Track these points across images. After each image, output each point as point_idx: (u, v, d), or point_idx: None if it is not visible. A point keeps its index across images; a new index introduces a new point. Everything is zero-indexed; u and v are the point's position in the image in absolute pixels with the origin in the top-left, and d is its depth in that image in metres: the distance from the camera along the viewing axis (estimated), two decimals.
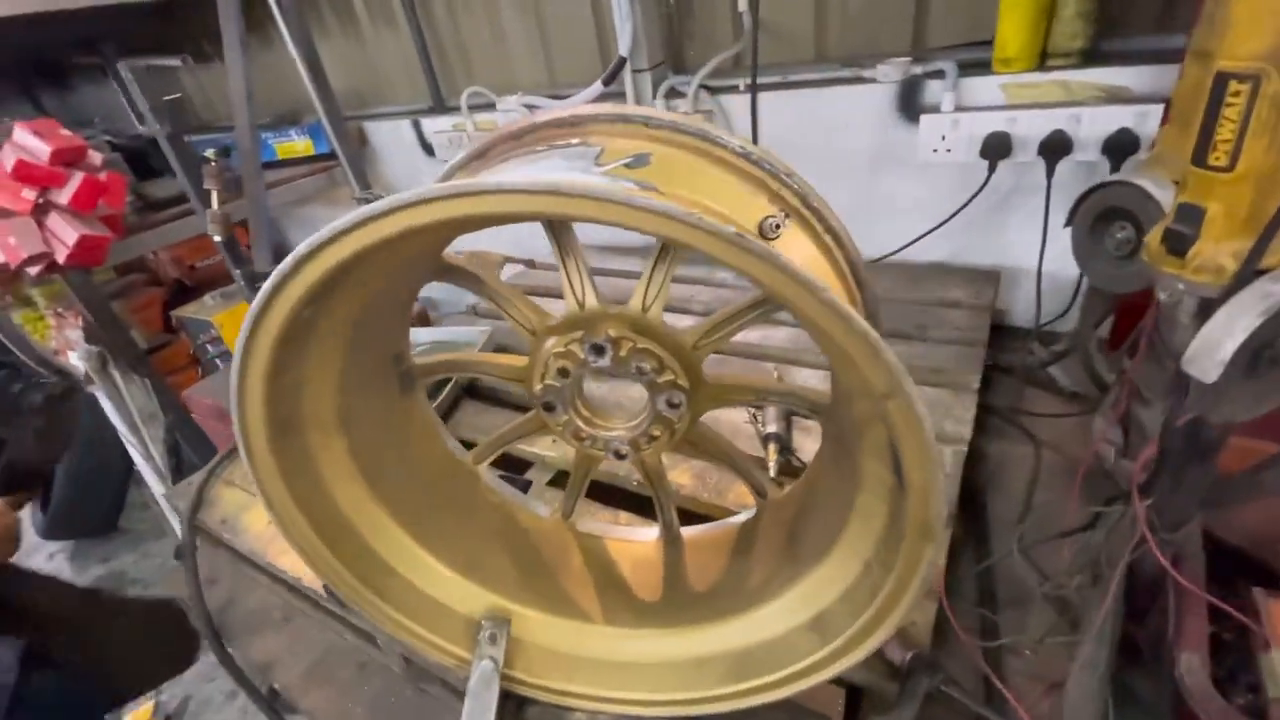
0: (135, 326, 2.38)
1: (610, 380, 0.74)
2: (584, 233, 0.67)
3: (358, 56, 2.43)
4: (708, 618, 0.73)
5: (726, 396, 0.71)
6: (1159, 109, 1.21)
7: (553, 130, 0.63)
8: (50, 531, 2.89)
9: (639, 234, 0.46)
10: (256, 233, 1.89)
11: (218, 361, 2.21)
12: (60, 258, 1.67)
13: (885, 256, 1.67)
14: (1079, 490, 0.84)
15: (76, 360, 1.87)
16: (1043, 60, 1.35)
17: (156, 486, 2.46)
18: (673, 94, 1.76)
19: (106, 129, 2.66)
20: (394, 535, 0.72)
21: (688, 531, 0.84)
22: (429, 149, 2.33)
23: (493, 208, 0.43)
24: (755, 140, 1.69)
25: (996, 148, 1.37)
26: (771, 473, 0.97)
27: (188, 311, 2.28)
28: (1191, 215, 0.50)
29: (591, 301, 0.67)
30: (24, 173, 1.62)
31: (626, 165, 0.58)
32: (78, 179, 1.66)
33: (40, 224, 1.67)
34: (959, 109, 1.41)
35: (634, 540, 0.86)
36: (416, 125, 2.33)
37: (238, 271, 1.70)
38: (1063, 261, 1.42)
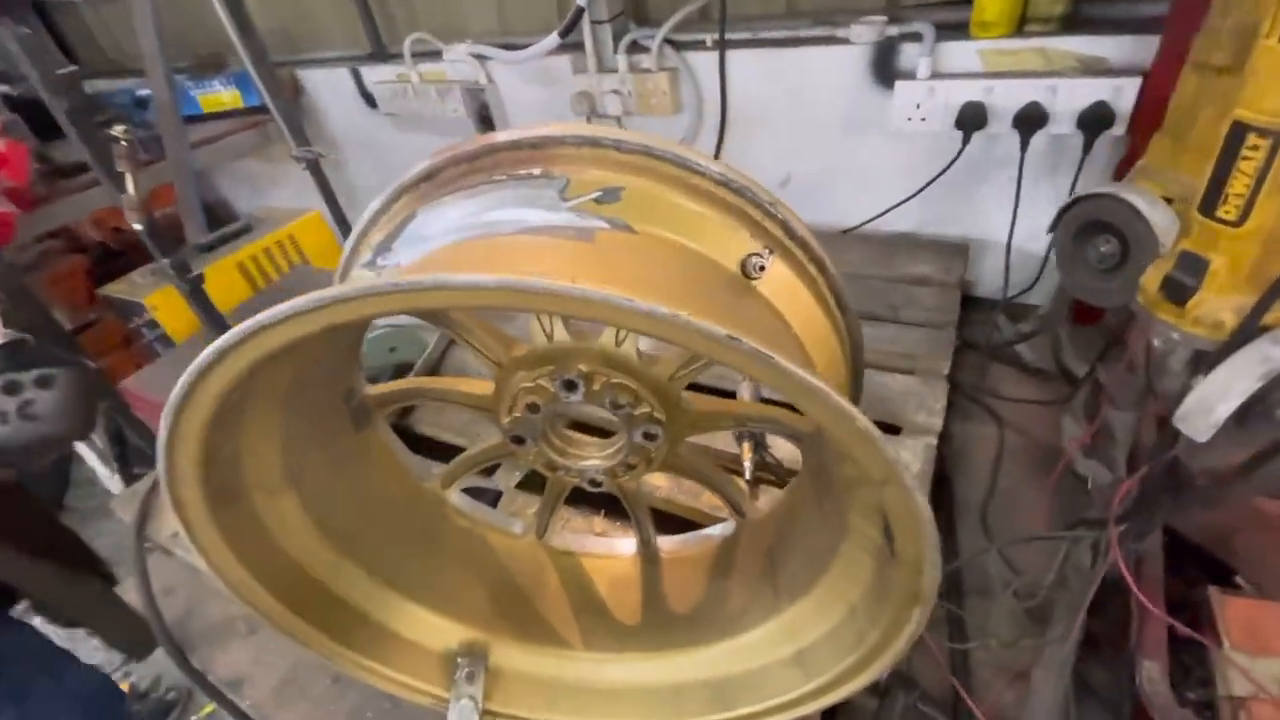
0: (58, 304, 2.20)
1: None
2: None
3: None
4: (689, 642, 0.73)
5: (706, 423, 0.68)
6: (1135, 83, 1.18)
7: (512, 155, 0.56)
8: None
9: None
10: (183, 200, 1.73)
11: (155, 346, 2.06)
12: None
13: (856, 227, 1.64)
14: (1053, 489, 0.85)
15: None
16: (1022, 25, 1.29)
17: (103, 471, 2.34)
18: (635, 49, 1.64)
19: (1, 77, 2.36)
20: (359, 581, 0.68)
21: (665, 545, 0.82)
22: (371, 100, 2.15)
23: (440, 303, 0.38)
24: (724, 101, 1.60)
25: (972, 119, 1.33)
26: (746, 474, 0.96)
27: (116, 290, 2.09)
28: (1195, 265, 0.48)
29: (561, 335, 0.63)
30: None
31: (596, 200, 0.53)
32: None
33: None
34: (935, 76, 1.35)
35: (611, 555, 0.84)
36: (356, 74, 2.13)
37: (165, 260, 1.56)
38: (1032, 236, 1.42)
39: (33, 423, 0.79)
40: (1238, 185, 0.44)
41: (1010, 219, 1.41)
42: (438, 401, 0.76)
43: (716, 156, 1.68)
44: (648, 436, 0.66)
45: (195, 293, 1.70)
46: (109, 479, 2.34)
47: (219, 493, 0.52)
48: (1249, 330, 0.46)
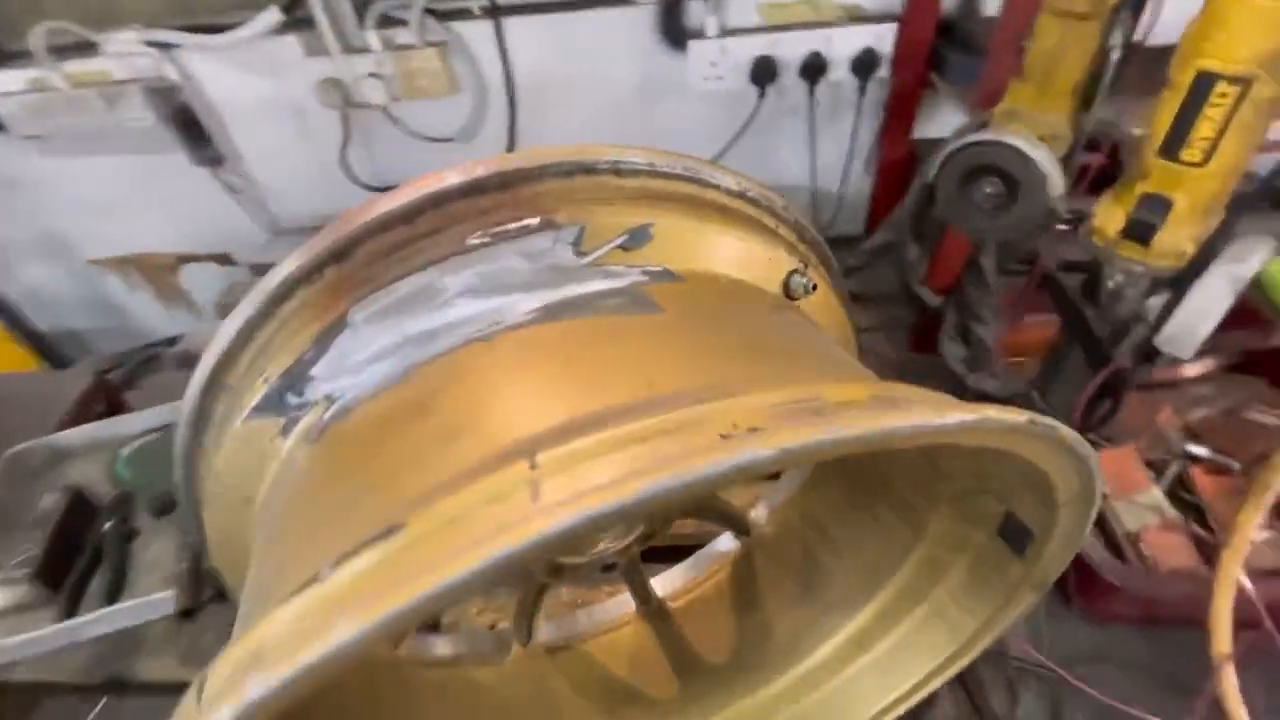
0: None
1: None
2: None
3: None
4: (746, 689, 0.66)
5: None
6: (893, 28, 1.32)
7: (482, 203, 0.38)
8: None
9: None
10: None
11: None
12: None
13: None
14: None
15: None
16: None
17: None
18: (388, 22, 1.36)
19: None
20: None
21: (668, 592, 0.73)
22: None
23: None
24: (509, 76, 1.43)
25: (764, 72, 1.37)
26: None
27: None
28: (1158, 206, 0.52)
29: None
30: None
31: (623, 248, 0.39)
32: None
33: None
34: (724, 33, 1.35)
35: (612, 624, 0.72)
36: None
37: None
38: (828, 174, 1.55)
39: None
40: (1204, 130, 0.48)
41: (810, 162, 1.51)
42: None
43: (511, 138, 1.52)
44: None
45: None
46: None
47: None
48: (1211, 254, 0.52)
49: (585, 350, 0.33)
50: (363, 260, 0.38)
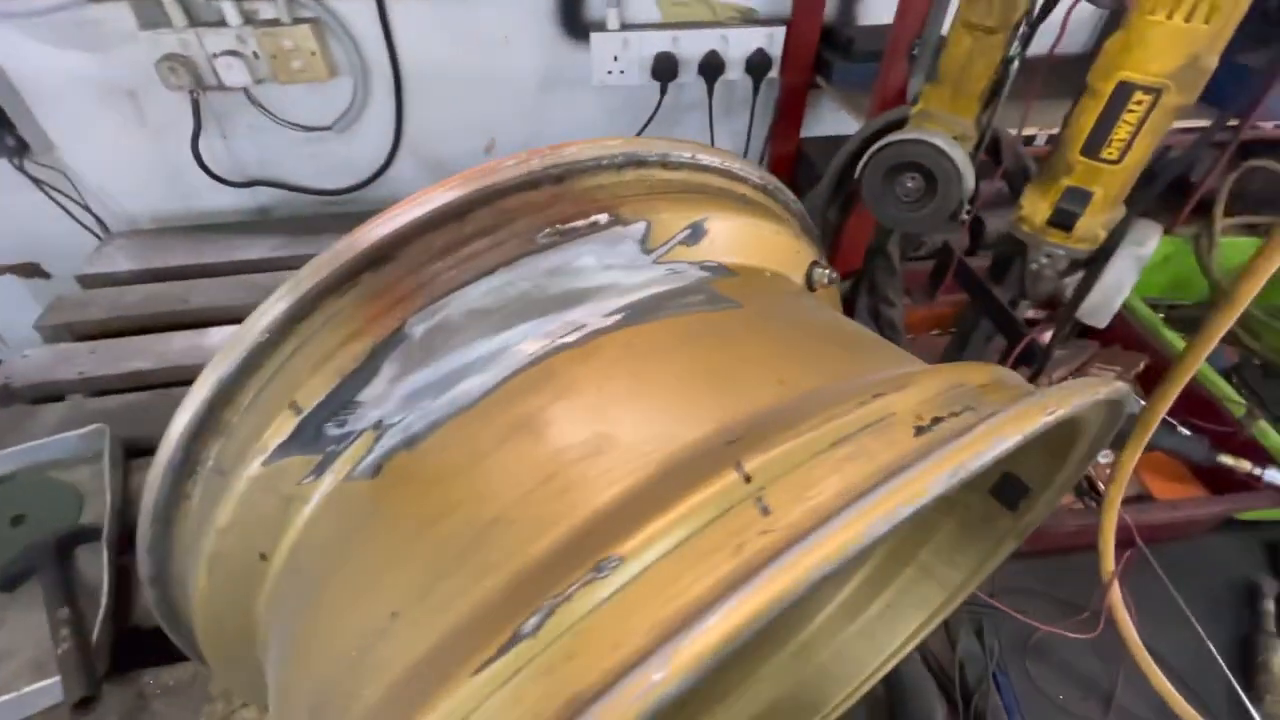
0: None
1: None
2: None
3: None
4: (740, 677, 0.67)
5: None
6: (782, 31, 1.40)
7: (537, 198, 0.35)
8: None
9: None
10: None
11: None
12: None
13: None
14: None
15: None
16: None
17: None
18: None
19: None
20: None
21: None
22: None
23: None
24: (395, 61, 1.33)
25: (666, 69, 1.39)
26: None
27: None
28: (1079, 197, 0.61)
29: None
30: None
31: (684, 244, 0.38)
32: None
33: None
34: (625, 27, 1.35)
35: None
36: None
37: None
38: None
39: None
40: (1121, 132, 0.56)
41: None
42: None
43: (398, 130, 1.41)
44: None
45: None
46: None
47: None
48: (1118, 236, 0.61)
49: (694, 352, 0.32)
50: (409, 264, 0.33)
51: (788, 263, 0.45)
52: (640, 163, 0.39)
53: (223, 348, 0.33)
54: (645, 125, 1.48)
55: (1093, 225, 0.61)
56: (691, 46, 1.38)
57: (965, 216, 0.87)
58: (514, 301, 0.33)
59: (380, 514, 0.30)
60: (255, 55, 1.23)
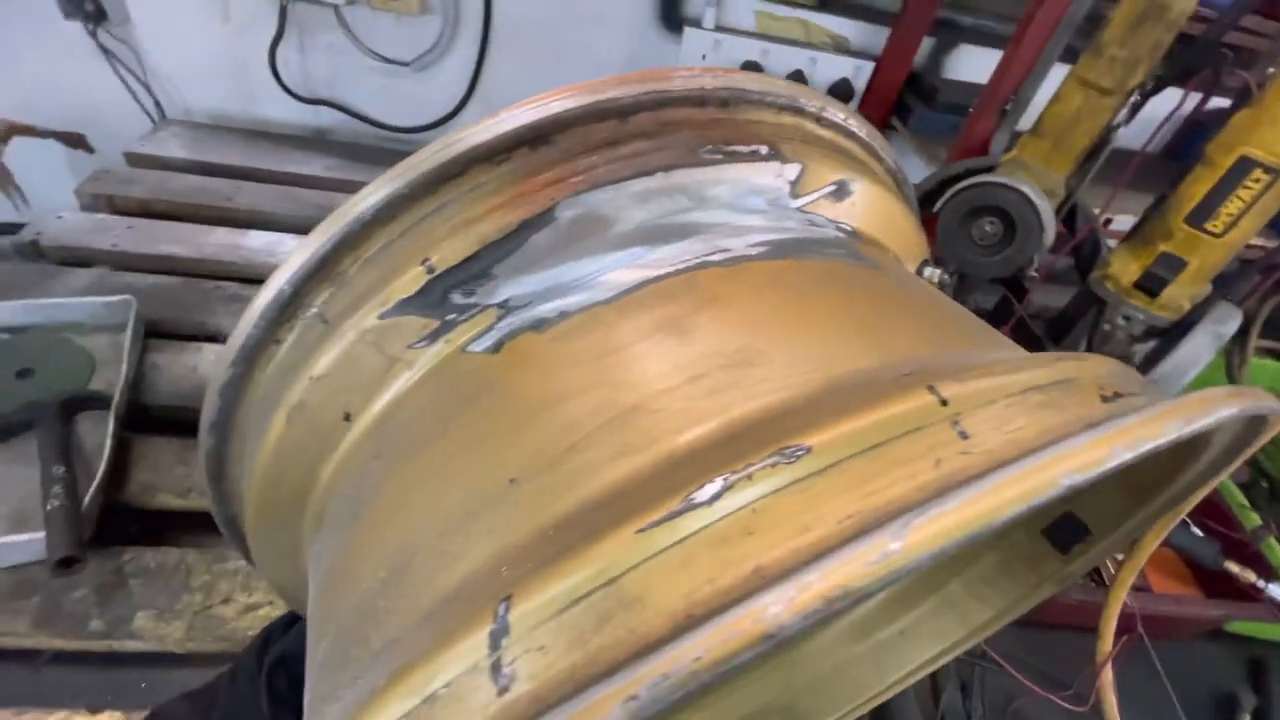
0: None
1: None
2: None
3: None
4: (743, 680, 0.65)
5: None
6: (870, 66, 1.41)
7: (701, 116, 0.34)
8: None
9: None
10: None
11: None
12: None
13: None
14: None
15: None
16: None
17: None
18: None
19: None
20: None
21: None
22: None
23: None
24: (489, 7, 1.32)
25: None
26: None
27: None
28: (1173, 264, 0.61)
29: None
30: None
31: (830, 198, 0.37)
32: None
33: None
34: (720, 29, 1.36)
35: None
36: None
37: None
38: None
39: None
40: (1231, 207, 0.56)
41: None
42: None
43: (474, 79, 1.41)
44: None
45: None
46: None
47: None
48: (1201, 312, 0.61)
49: (844, 296, 0.31)
50: (567, 150, 0.32)
51: (907, 250, 0.44)
52: (799, 111, 0.38)
53: (354, 197, 0.31)
54: None
55: (1179, 295, 0.61)
56: (780, 62, 1.39)
57: (1034, 273, 0.87)
58: (665, 207, 0.32)
59: (498, 388, 0.29)
60: None
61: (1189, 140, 1.35)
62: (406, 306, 0.30)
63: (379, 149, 1.45)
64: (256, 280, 1.05)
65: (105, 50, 1.31)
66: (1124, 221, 1.08)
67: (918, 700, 0.85)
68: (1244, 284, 0.60)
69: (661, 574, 0.18)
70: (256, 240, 1.10)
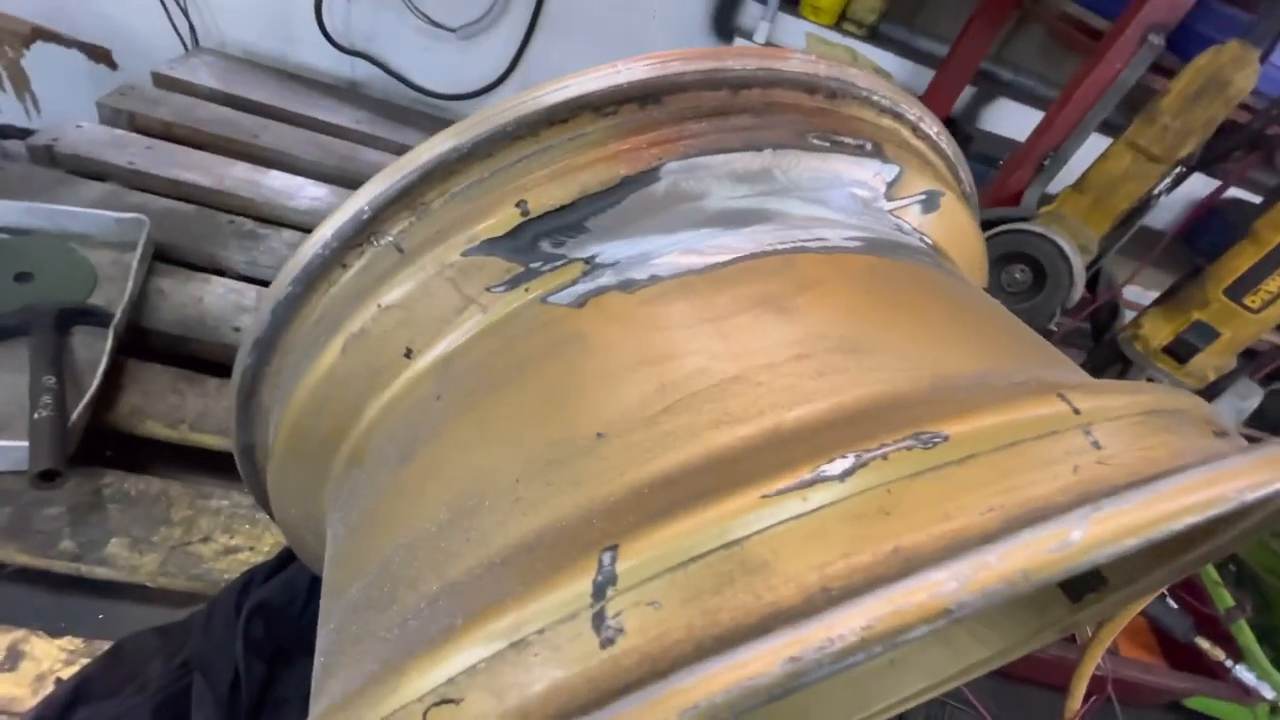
0: None
1: None
2: None
3: None
4: None
5: None
6: None
7: (809, 103, 0.34)
8: None
9: None
10: None
11: None
12: None
13: None
14: None
15: None
16: (841, 22, 1.40)
17: None
18: None
19: None
20: None
21: None
22: None
23: None
24: (540, 5, 1.32)
25: None
26: None
27: None
28: (1206, 334, 0.61)
29: None
30: None
31: (920, 205, 0.37)
32: None
33: None
34: (769, 44, 1.36)
35: None
36: None
37: None
38: None
39: None
40: (1271, 285, 0.57)
41: None
42: None
43: (516, 56, 1.40)
44: None
45: None
46: None
47: None
48: (1224, 385, 0.62)
49: (941, 298, 0.30)
50: (676, 113, 0.31)
51: (973, 274, 0.44)
52: (898, 115, 0.38)
53: (445, 130, 0.30)
54: None
55: (1206, 364, 0.62)
56: None
57: (1054, 327, 0.88)
58: (764, 186, 0.31)
59: (583, 343, 0.28)
60: None
61: (1204, 224, 1.39)
62: (493, 247, 0.29)
63: (410, 110, 1.43)
64: (273, 220, 1.02)
65: None
66: (1132, 291, 1.10)
67: None
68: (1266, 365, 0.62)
69: (791, 542, 0.17)
70: (277, 180, 1.08)
